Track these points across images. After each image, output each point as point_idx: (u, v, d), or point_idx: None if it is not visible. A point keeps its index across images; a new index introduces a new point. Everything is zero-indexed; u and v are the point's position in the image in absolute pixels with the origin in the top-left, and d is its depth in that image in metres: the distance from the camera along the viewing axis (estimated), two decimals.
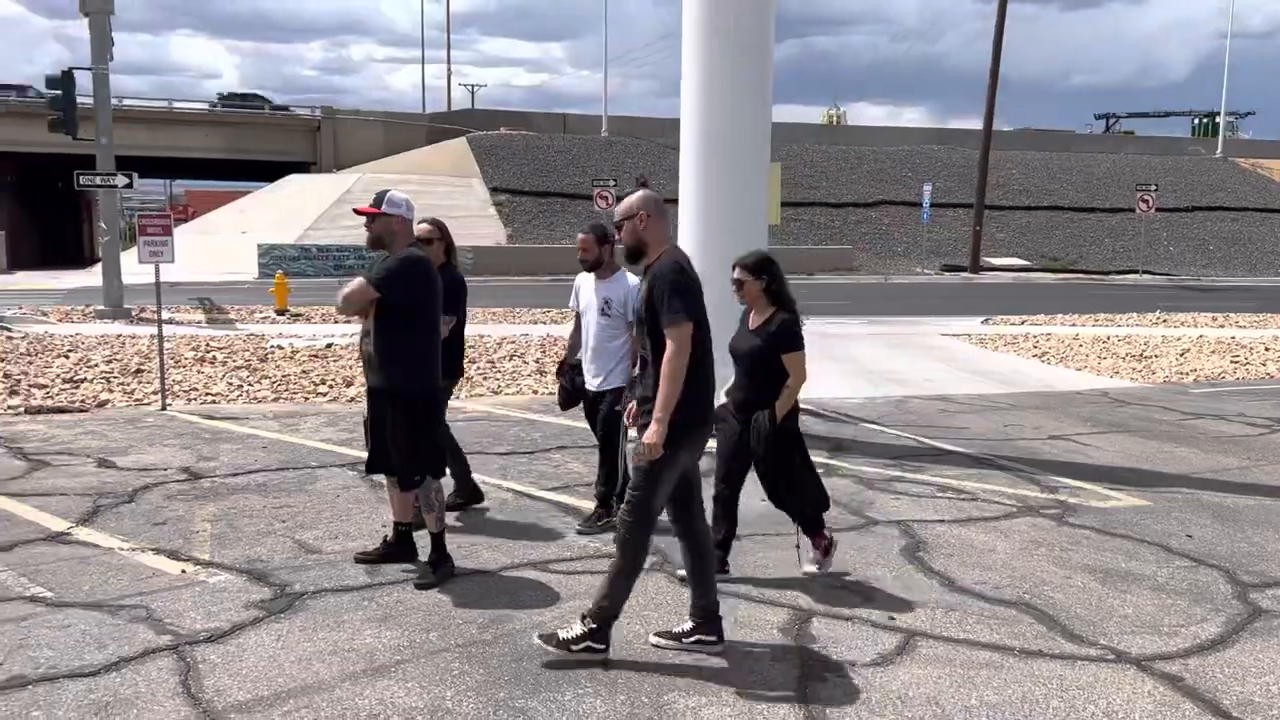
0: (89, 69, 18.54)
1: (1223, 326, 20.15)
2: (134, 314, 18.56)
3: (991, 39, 34.34)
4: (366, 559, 5.16)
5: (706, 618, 4.20)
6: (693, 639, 4.18)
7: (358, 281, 4.75)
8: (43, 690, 3.65)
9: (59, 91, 18.14)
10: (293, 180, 42.22)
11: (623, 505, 4.13)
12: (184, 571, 4.96)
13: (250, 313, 19.64)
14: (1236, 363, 14.70)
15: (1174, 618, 4.63)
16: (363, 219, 5.40)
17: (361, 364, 5.07)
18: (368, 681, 3.83)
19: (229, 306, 20.80)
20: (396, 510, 5.17)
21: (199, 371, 11.91)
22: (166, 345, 14.67)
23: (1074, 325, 19.83)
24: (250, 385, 11.11)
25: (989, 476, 7.35)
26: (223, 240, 36.35)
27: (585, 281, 5.84)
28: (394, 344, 4.76)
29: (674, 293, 3.98)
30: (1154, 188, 35.40)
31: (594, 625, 4.03)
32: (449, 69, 67.30)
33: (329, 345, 14.51)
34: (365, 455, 7.53)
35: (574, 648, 4.01)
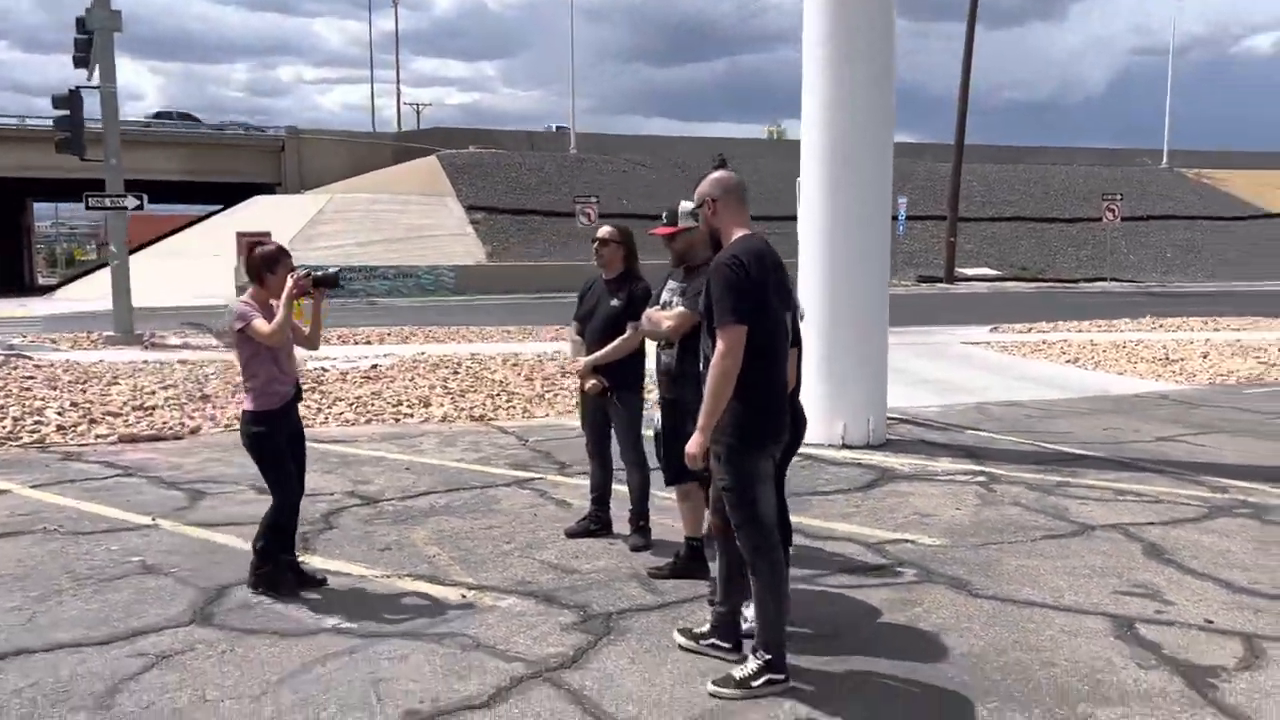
0: (91, 87, 18.03)
1: (1217, 330, 20.69)
2: (146, 339, 18.01)
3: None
4: (659, 574, 5.07)
5: (723, 623, 4.15)
6: (708, 642, 4.14)
7: (680, 312, 4.65)
8: None
9: (66, 111, 17.60)
10: (259, 202, 41.50)
11: (737, 534, 3.87)
12: (464, 596, 4.79)
13: None
14: (1263, 363, 15.08)
15: None
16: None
17: (657, 377, 4.97)
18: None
19: None
20: (688, 525, 5.06)
21: None
22: (206, 371, 14.28)
23: (1080, 331, 20.21)
24: (327, 408, 10.84)
25: (1148, 479, 7.43)
26: (193, 263, 35.57)
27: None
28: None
29: (726, 291, 3.69)
30: (1119, 197, 36.43)
31: (769, 656, 3.81)
32: (398, 89, 66.73)
33: (374, 366, 14.23)
34: (517, 474, 7.51)
35: (754, 684, 3.77)
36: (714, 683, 3.82)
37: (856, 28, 8.46)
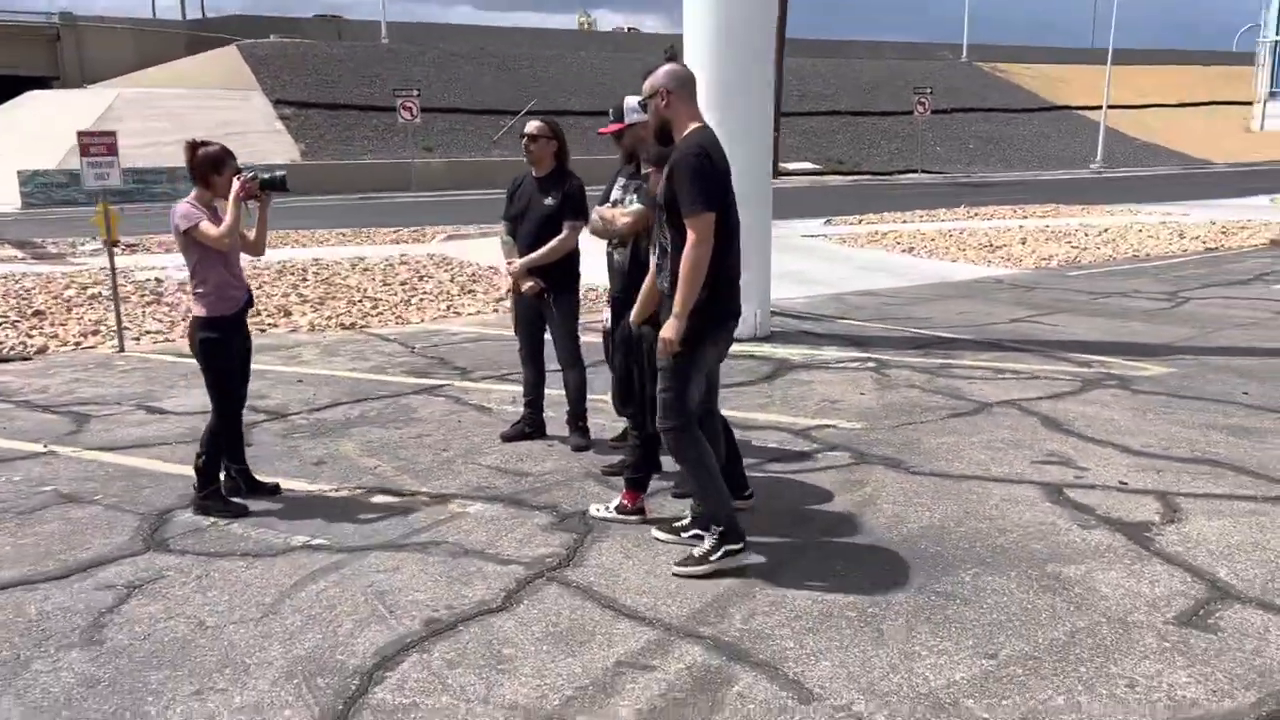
0: None
1: (1026, 217, 22.13)
2: None
3: None
4: (614, 471, 5.10)
5: (704, 513, 4.17)
6: (690, 534, 4.20)
7: (637, 210, 4.58)
8: (477, 631, 3.45)
9: None
10: (35, 97, 37.58)
11: (658, 411, 3.93)
12: (427, 505, 4.71)
13: (72, 246, 17.69)
14: (1076, 247, 16.34)
15: None
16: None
17: (609, 274, 4.91)
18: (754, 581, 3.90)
19: (39, 240, 18.62)
20: None
21: (112, 310, 10.77)
22: (24, 285, 13.09)
23: (906, 222, 21.19)
24: (181, 322, 10.21)
25: (1019, 358, 8.00)
26: None
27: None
28: None
29: (694, 180, 3.72)
30: (930, 91, 37.93)
31: (721, 529, 3.94)
32: None
33: None
34: (420, 381, 7.34)
35: (713, 558, 3.91)
36: (676, 564, 3.95)
37: None
